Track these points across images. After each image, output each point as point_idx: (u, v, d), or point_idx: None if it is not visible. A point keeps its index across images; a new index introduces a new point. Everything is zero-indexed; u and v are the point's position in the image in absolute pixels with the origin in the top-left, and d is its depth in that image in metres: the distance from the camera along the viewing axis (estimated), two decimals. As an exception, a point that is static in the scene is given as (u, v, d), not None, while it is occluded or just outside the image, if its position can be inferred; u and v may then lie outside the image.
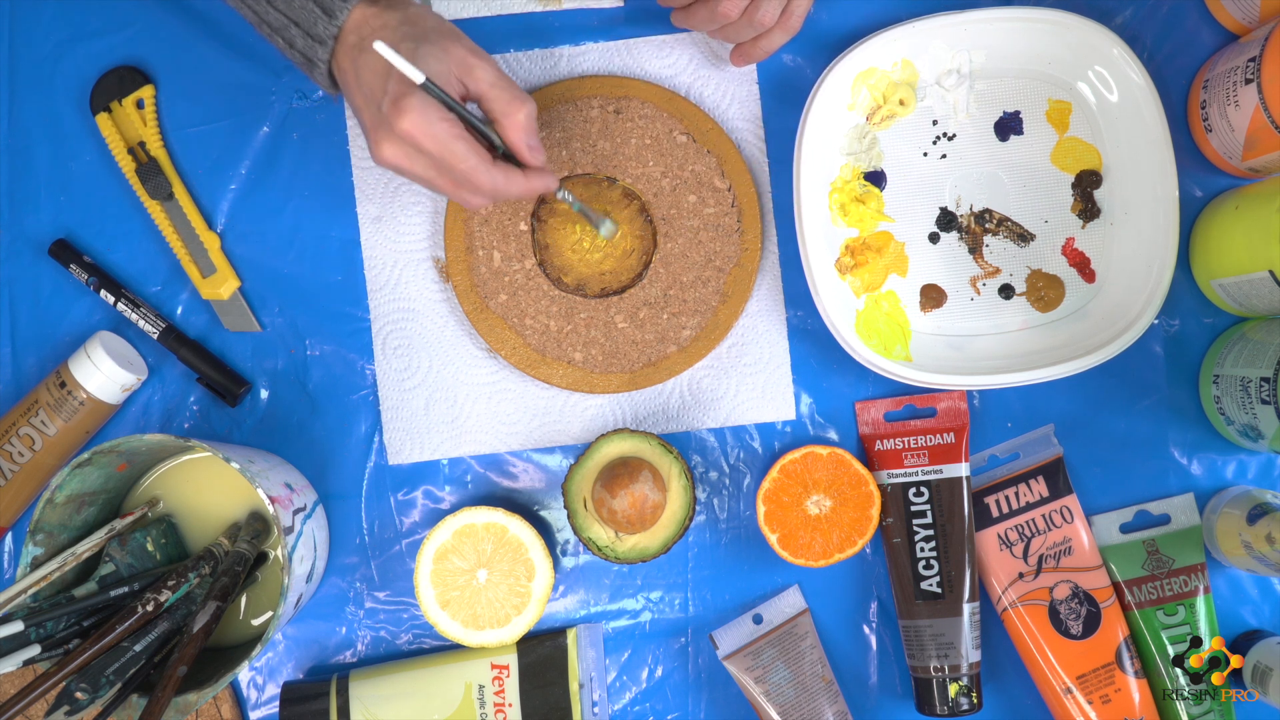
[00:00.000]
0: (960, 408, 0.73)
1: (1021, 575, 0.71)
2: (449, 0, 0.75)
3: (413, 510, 0.75)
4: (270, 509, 0.64)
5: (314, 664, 0.75)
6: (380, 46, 0.55)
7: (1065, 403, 0.74)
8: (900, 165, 0.74)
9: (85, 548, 0.66)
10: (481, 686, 0.70)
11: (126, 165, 0.74)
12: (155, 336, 0.74)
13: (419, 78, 0.56)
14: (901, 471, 0.72)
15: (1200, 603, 0.71)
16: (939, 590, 0.70)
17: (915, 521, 0.71)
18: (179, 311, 0.75)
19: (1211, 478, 0.74)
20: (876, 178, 0.74)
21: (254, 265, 0.75)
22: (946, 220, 0.74)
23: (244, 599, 0.71)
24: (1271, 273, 0.65)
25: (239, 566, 0.66)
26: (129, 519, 0.69)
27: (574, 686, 0.71)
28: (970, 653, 0.70)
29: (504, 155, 0.63)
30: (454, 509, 0.74)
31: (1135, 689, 0.70)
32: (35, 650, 0.63)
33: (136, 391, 0.75)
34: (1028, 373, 0.69)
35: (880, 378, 0.74)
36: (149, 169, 0.74)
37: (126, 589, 0.66)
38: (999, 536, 0.72)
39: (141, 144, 0.74)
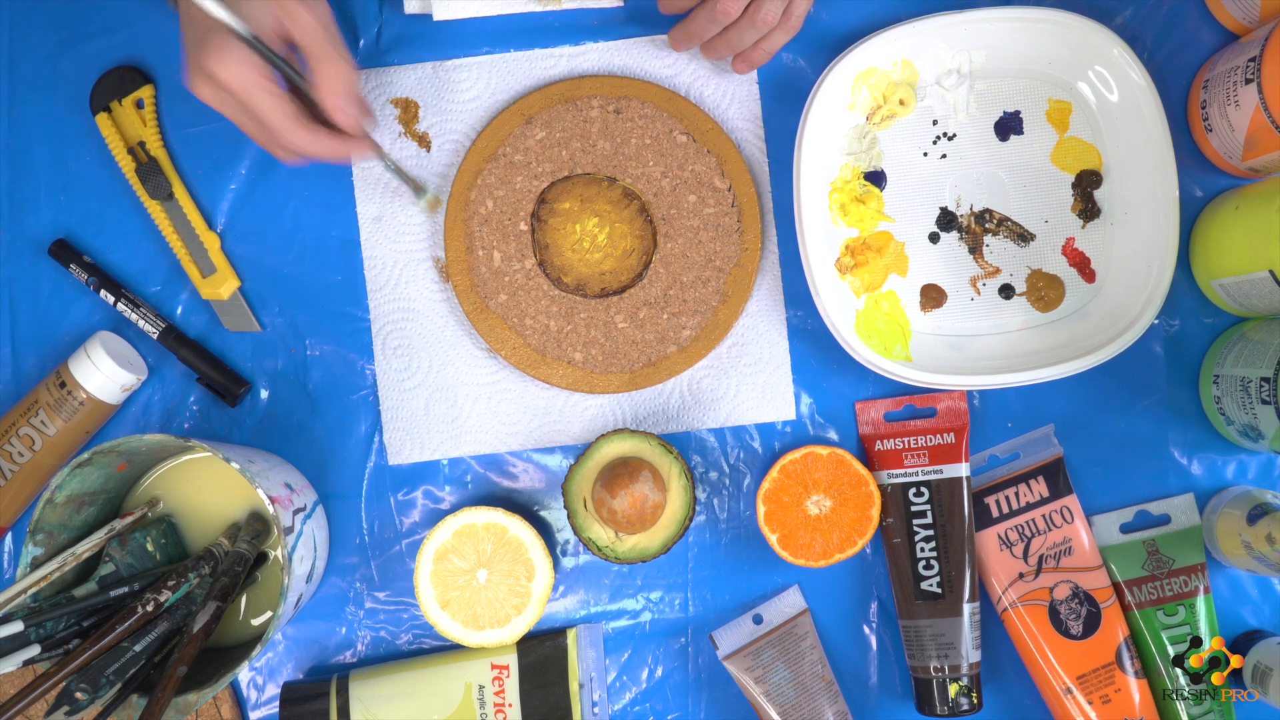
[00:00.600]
0: (960, 408, 0.73)
1: (1021, 575, 0.71)
2: (450, 1, 0.75)
3: (413, 510, 0.75)
4: (270, 509, 0.64)
5: (314, 664, 0.75)
6: None
7: (1065, 403, 0.74)
8: (900, 165, 0.74)
9: (85, 548, 0.66)
10: (481, 686, 0.70)
11: (126, 165, 0.74)
12: (155, 336, 0.74)
13: (223, 17, 0.53)
14: (901, 471, 0.72)
15: (1200, 603, 0.71)
16: (939, 590, 0.70)
17: (915, 521, 0.71)
18: (179, 311, 0.75)
19: (1211, 478, 0.74)
20: (876, 178, 0.74)
21: (254, 265, 0.75)
22: (946, 220, 0.74)
23: (244, 599, 0.71)
24: (1271, 273, 0.65)
25: (239, 566, 0.66)
26: (129, 519, 0.69)
27: (574, 686, 0.71)
28: (970, 653, 0.70)
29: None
30: (454, 509, 0.74)
31: (1135, 689, 0.70)
32: (35, 650, 0.63)
33: (136, 391, 0.75)
34: (1028, 373, 0.69)
35: (880, 378, 0.74)
36: (149, 169, 0.74)
37: (126, 589, 0.66)
38: (999, 536, 0.72)
39: (141, 144, 0.74)
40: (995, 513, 0.72)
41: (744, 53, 0.71)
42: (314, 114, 0.59)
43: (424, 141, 0.75)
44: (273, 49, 0.56)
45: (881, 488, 0.72)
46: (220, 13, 0.53)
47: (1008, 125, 0.74)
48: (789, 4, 0.67)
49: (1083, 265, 0.73)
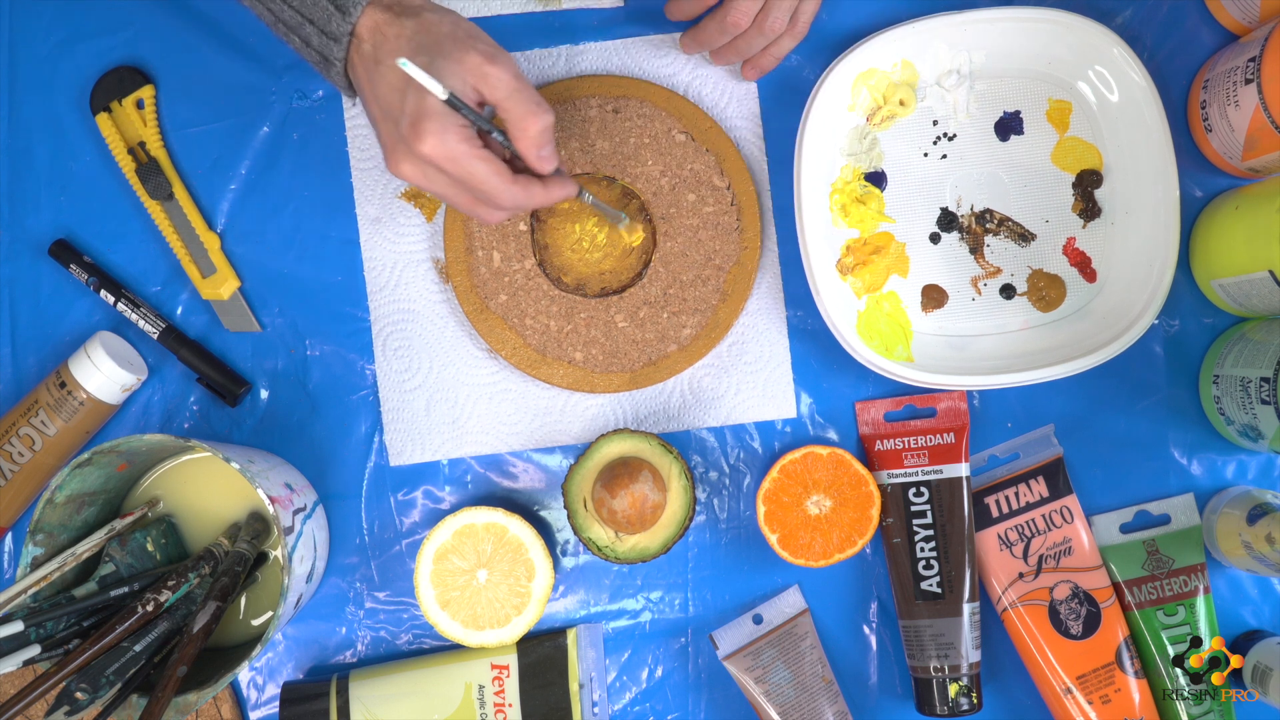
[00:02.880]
0: (960, 408, 0.73)
1: (1021, 575, 0.71)
2: (450, 1, 0.75)
3: (413, 510, 0.75)
4: (270, 509, 0.64)
5: (314, 664, 0.75)
6: (405, 65, 0.54)
7: (1065, 403, 0.74)
8: (901, 165, 0.74)
9: (85, 548, 0.66)
10: (481, 686, 0.70)
11: (126, 165, 0.74)
12: (155, 336, 0.74)
13: (443, 94, 0.55)
14: (901, 471, 0.72)
15: (1200, 603, 0.71)
16: (939, 590, 0.70)
17: (915, 521, 0.71)
18: (179, 311, 0.75)
19: (1211, 478, 0.74)
20: (877, 178, 0.74)
21: (254, 265, 0.75)
22: (947, 220, 0.74)
23: (244, 599, 0.71)
24: (1271, 273, 0.65)
25: (239, 566, 0.66)
26: (129, 519, 0.69)
27: (574, 687, 0.71)
28: (970, 653, 0.70)
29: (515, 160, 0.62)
30: (454, 509, 0.74)
31: (1135, 689, 0.70)
32: (35, 650, 0.63)
33: (136, 391, 0.75)
34: (1028, 373, 0.69)
35: (880, 378, 0.74)
36: (149, 169, 0.74)
37: (126, 589, 0.66)
38: (999, 536, 0.72)
39: (141, 144, 0.74)
40: (995, 513, 0.72)
41: (753, 59, 0.72)
42: (515, 168, 0.62)
43: (424, 141, 0.75)
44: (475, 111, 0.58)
45: (881, 488, 0.72)
46: (429, 81, 0.55)
47: (1008, 125, 0.74)
48: (796, 10, 0.68)
49: (1084, 265, 0.73)
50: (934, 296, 0.73)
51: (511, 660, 0.71)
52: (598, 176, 0.74)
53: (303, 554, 0.66)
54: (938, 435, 0.72)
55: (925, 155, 0.74)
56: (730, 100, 0.75)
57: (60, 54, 0.75)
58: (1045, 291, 0.73)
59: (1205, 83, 0.71)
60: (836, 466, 0.71)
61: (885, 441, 0.73)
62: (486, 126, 0.58)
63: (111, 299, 0.73)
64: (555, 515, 0.75)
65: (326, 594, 0.74)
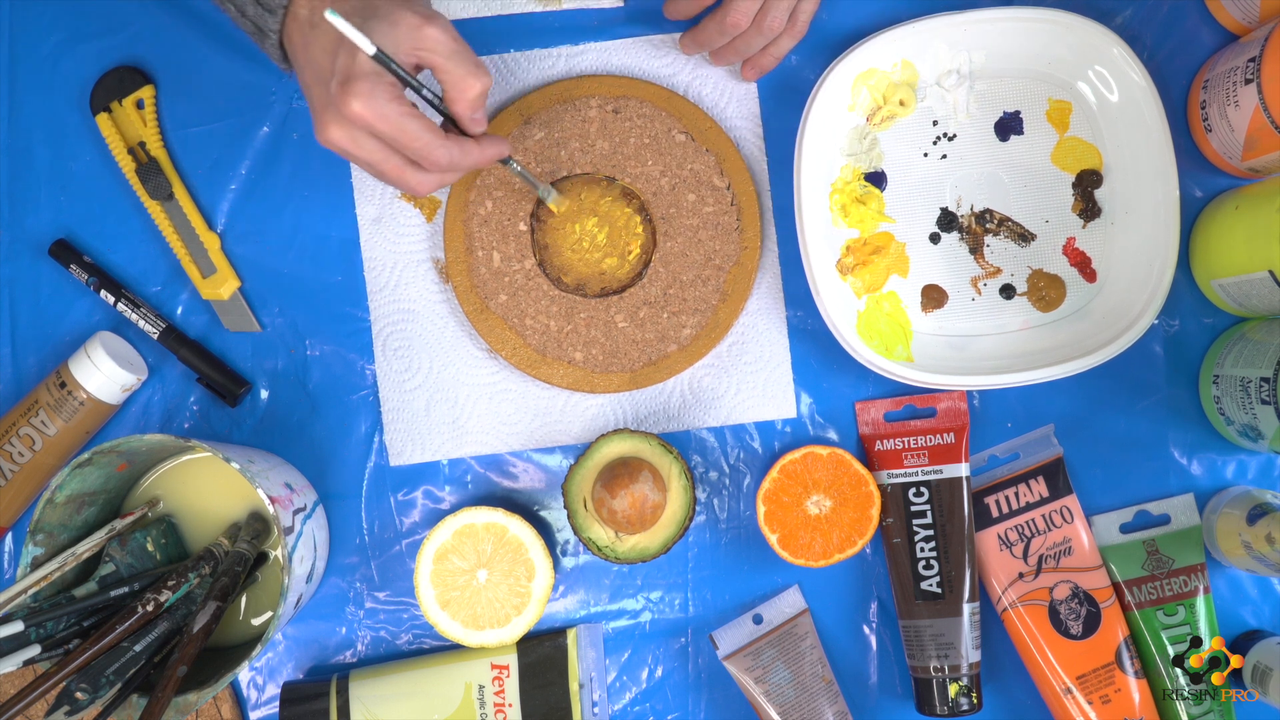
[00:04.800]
0: (960, 408, 0.73)
1: (1021, 575, 0.72)
2: (449, 1, 0.75)
3: (413, 510, 0.75)
4: (270, 509, 0.64)
5: (314, 664, 0.75)
6: (332, 16, 0.53)
7: (1065, 403, 0.74)
8: (901, 166, 0.74)
9: (85, 548, 0.66)
10: (481, 686, 0.70)
11: (126, 165, 0.74)
12: (155, 336, 0.74)
13: (370, 49, 0.54)
14: (901, 471, 0.72)
15: (1200, 603, 0.71)
16: (939, 590, 0.70)
17: (915, 521, 0.71)
18: (179, 311, 0.75)
19: (1211, 478, 0.74)
20: (877, 178, 0.74)
21: (254, 265, 0.75)
22: (947, 220, 0.74)
23: (244, 599, 0.71)
24: (1271, 273, 0.65)
25: (239, 566, 0.66)
26: (129, 519, 0.69)
27: (574, 686, 0.71)
28: (970, 653, 0.70)
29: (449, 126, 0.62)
30: (454, 509, 0.74)
31: (1135, 689, 0.70)
32: (35, 650, 0.63)
33: (136, 391, 0.75)
34: (1028, 373, 0.69)
35: (880, 378, 0.74)
36: (149, 169, 0.74)
37: (126, 589, 0.66)
38: (999, 536, 0.72)
39: (141, 144, 0.74)
40: (995, 513, 0.72)
41: (752, 59, 0.72)
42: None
43: (424, 141, 0.75)
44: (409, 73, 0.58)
45: (881, 488, 0.72)
46: (354, 34, 0.54)
47: (1008, 125, 0.74)
48: (795, 9, 0.68)
49: (1083, 265, 0.73)
50: (934, 296, 0.73)
51: (511, 660, 0.71)
52: (598, 176, 0.74)
53: (303, 554, 0.66)
54: (938, 435, 0.72)
55: (925, 155, 0.74)
56: (730, 100, 0.75)
57: (60, 54, 0.75)
58: (1045, 291, 0.73)
59: (1205, 83, 0.71)
60: (836, 466, 0.71)
61: (885, 441, 0.73)
62: (415, 85, 0.58)
63: (111, 299, 0.74)
64: (555, 515, 0.75)
65: (326, 594, 0.74)
